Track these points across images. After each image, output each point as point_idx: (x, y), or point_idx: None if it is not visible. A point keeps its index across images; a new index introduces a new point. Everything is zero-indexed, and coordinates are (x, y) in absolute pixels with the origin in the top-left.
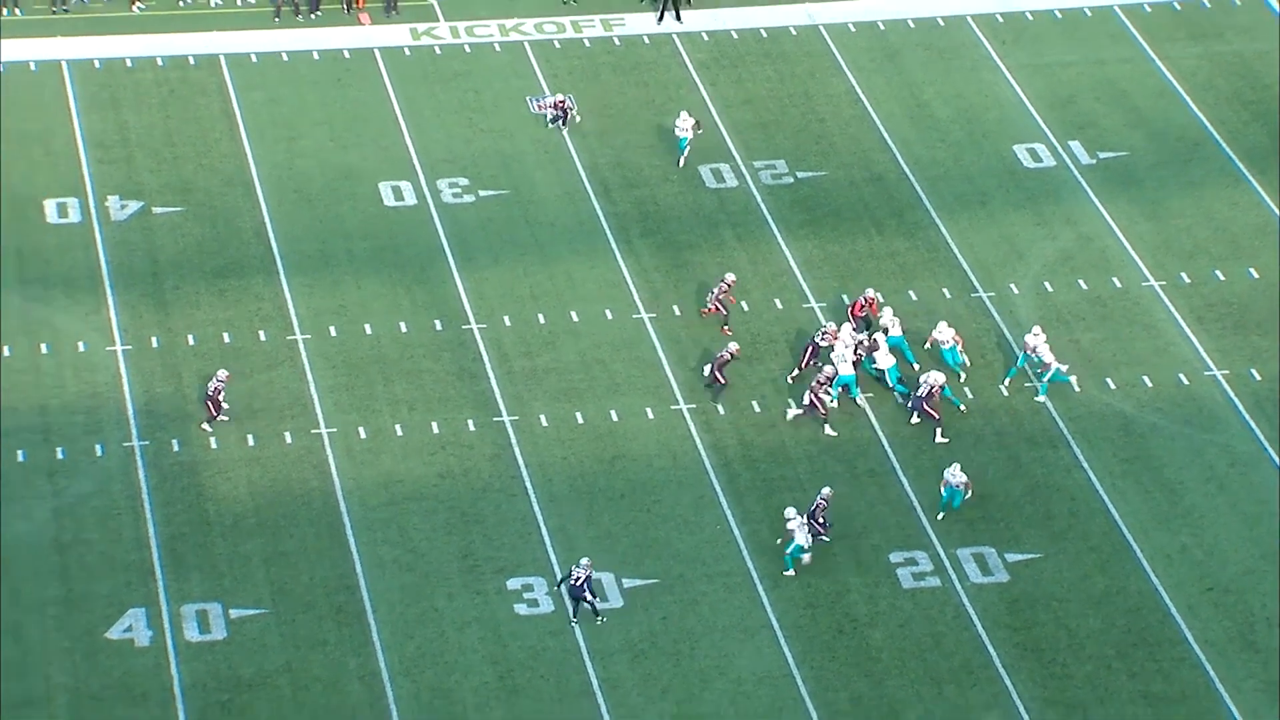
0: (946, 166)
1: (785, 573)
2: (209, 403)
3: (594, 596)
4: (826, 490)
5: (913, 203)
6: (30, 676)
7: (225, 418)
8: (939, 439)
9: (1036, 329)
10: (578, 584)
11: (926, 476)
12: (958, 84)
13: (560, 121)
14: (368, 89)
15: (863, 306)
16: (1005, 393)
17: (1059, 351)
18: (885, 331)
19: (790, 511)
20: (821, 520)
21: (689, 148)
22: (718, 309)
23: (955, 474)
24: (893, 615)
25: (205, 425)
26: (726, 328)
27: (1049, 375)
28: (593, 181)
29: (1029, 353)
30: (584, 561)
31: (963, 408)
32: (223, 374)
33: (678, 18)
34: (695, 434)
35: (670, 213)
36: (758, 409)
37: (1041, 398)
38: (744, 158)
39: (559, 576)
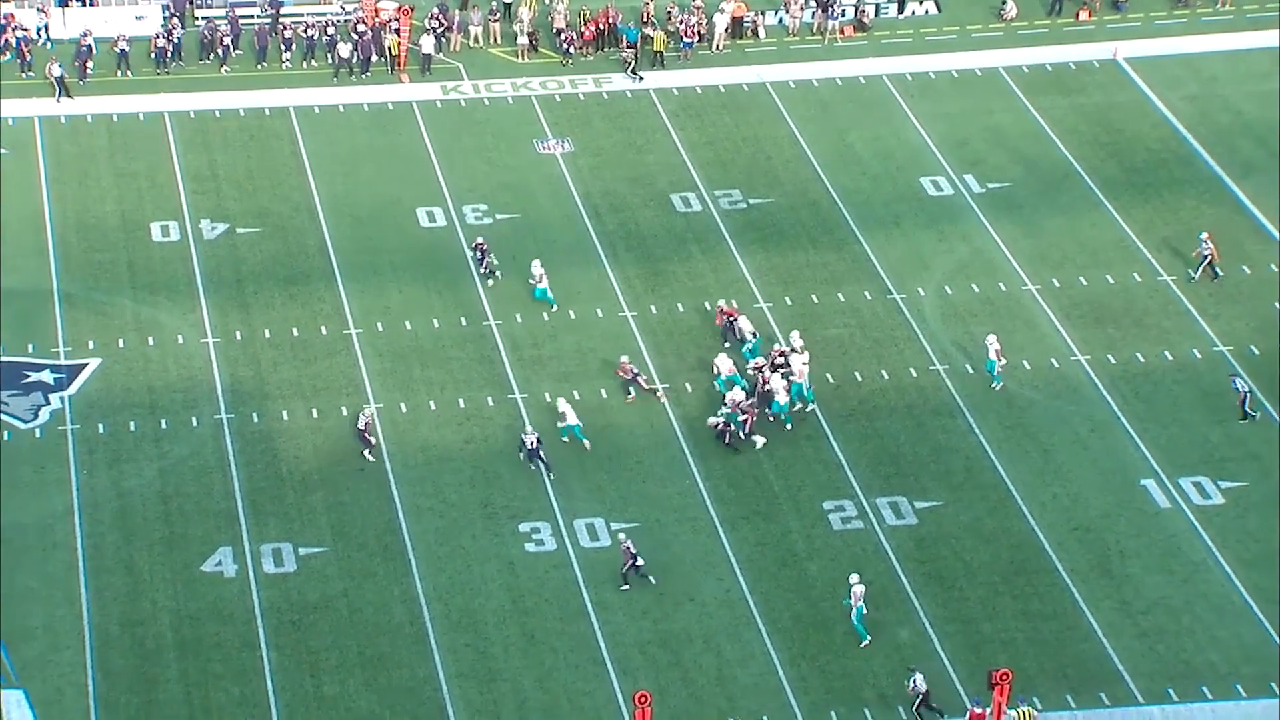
0: (867, 194)
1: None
2: (362, 436)
3: (545, 461)
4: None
5: (840, 223)
6: (140, 601)
7: (369, 455)
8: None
9: (991, 337)
10: (533, 449)
11: (853, 441)
12: (876, 129)
13: (481, 263)
14: (407, 134)
15: (722, 315)
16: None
17: (959, 342)
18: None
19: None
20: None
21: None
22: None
23: (856, 584)
24: (825, 551)
25: (367, 455)
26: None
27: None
28: (586, 207)
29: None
30: (528, 428)
31: (789, 428)
32: (369, 410)
33: (634, 74)
34: (669, 408)
35: (648, 231)
36: (719, 389)
37: (997, 386)
38: (706, 187)
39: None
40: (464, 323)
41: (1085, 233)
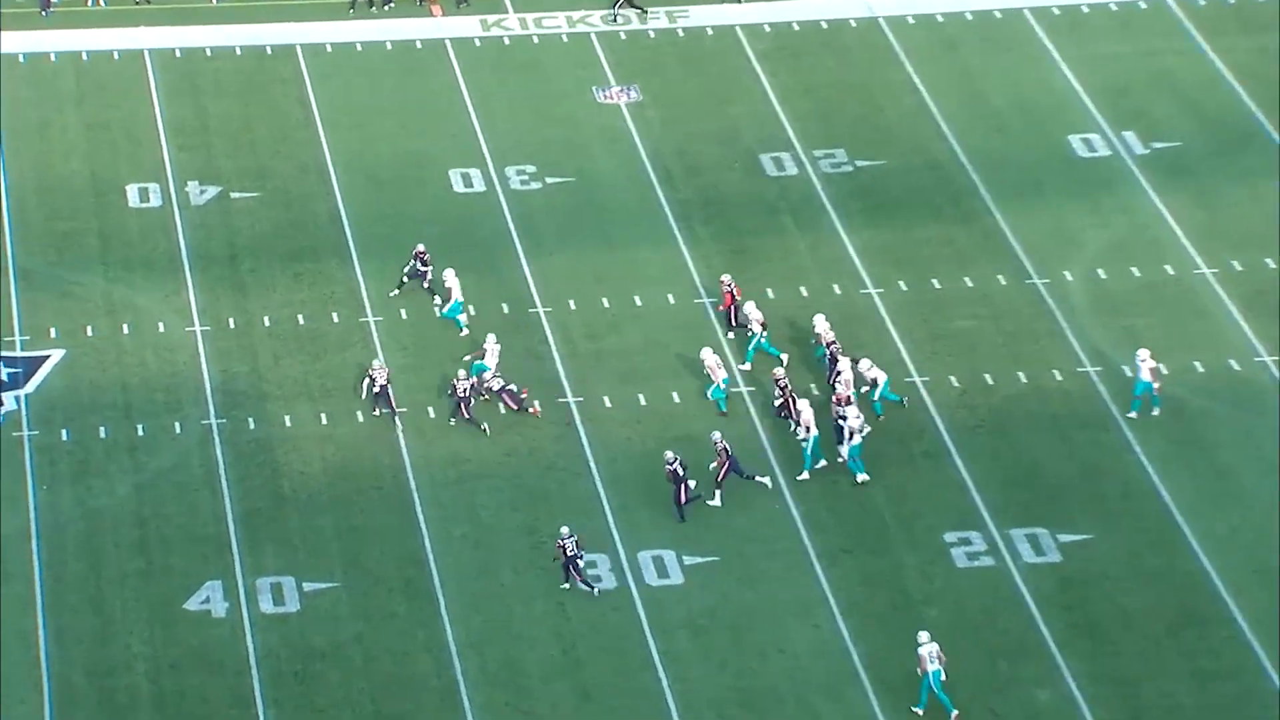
0: (1002, 155)
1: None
2: (461, 405)
3: (581, 575)
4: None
5: (969, 190)
6: (111, 645)
7: (399, 421)
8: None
9: (1144, 353)
10: (570, 556)
11: (982, 458)
12: (1014, 74)
13: (420, 277)
14: (438, 79)
15: (733, 298)
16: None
17: (1114, 338)
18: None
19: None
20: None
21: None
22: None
23: (927, 646)
24: (947, 593)
25: (397, 422)
26: None
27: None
28: (656, 169)
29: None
30: (563, 531)
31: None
32: (378, 365)
33: (634, 5)
34: (754, 415)
35: (731, 200)
36: (815, 391)
37: (1155, 412)
38: (804, 146)
39: (570, 549)
40: (506, 310)
41: (1272, 204)
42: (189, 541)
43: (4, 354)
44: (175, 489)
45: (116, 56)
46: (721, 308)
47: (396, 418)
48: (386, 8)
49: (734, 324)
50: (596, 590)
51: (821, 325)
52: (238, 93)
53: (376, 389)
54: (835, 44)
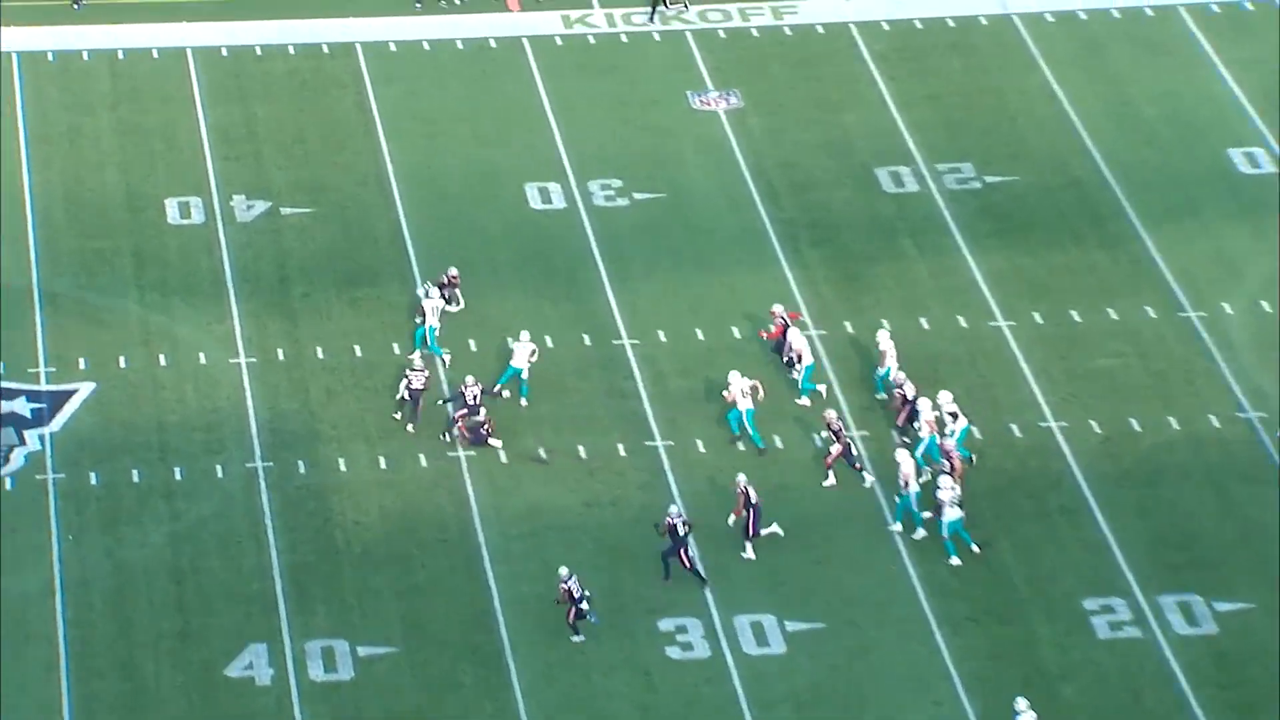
0: (1153, 171)
1: None
2: (476, 433)
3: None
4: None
5: (1114, 211)
6: (144, 716)
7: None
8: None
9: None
10: (577, 599)
11: (1127, 515)
12: (1167, 80)
13: (444, 295)
14: (514, 81)
15: (785, 328)
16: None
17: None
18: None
19: (1021, 704)
20: None
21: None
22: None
23: (1025, 715)
24: (1086, 668)
25: (496, 445)
26: None
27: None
28: (758, 184)
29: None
30: (562, 572)
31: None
32: (471, 381)
33: (666, 5)
34: (868, 463)
35: (843, 220)
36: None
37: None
38: (926, 160)
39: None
40: (587, 341)
41: None
42: (231, 599)
43: (27, 388)
44: (216, 540)
45: (156, 55)
46: (769, 336)
47: (411, 426)
48: (458, 1)
49: (784, 358)
50: (582, 636)
51: (886, 342)
52: (290, 96)
53: (407, 394)
54: (963, 44)
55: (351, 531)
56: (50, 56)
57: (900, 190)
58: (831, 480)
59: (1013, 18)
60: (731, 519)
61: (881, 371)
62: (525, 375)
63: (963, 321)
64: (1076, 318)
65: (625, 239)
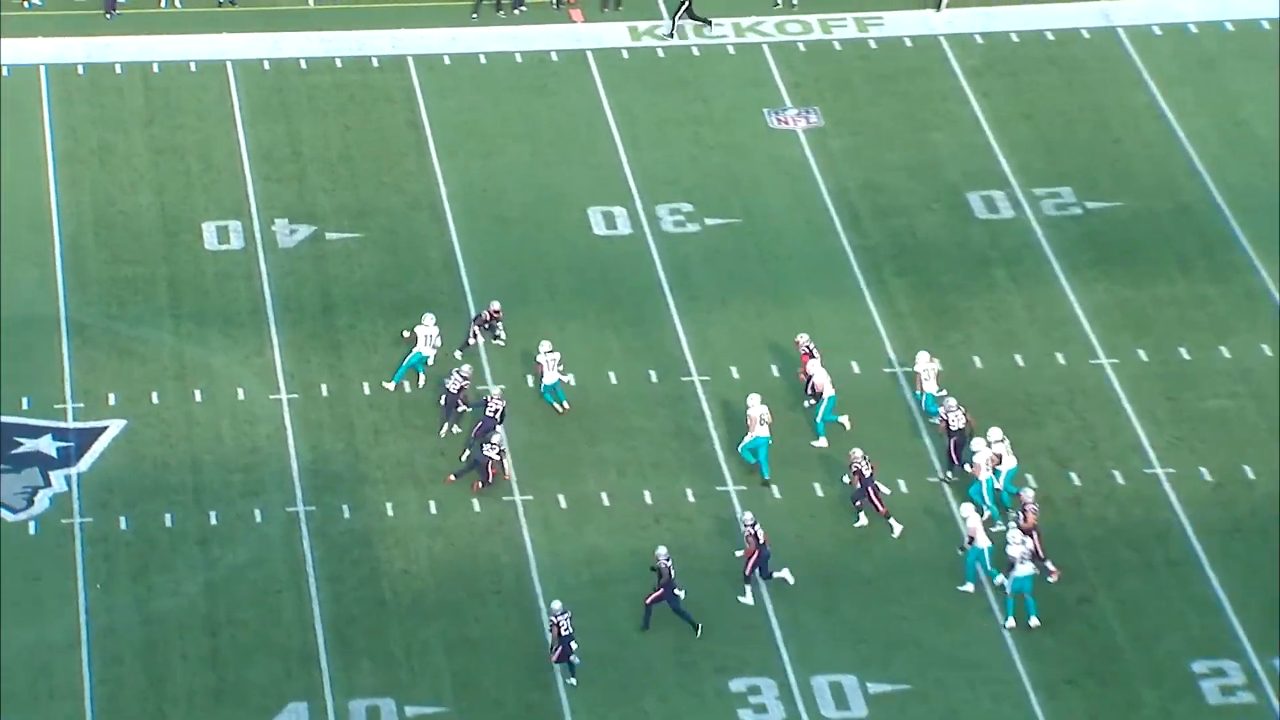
0: (1268, 197)
1: None
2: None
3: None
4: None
5: (1226, 240)
6: None
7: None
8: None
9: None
10: (565, 636)
11: (1241, 569)
12: None
13: (489, 329)
14: (577, 97)
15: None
16: None
17: None
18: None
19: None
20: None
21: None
22: None
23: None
24: None
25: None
26: None
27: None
28: (839, 209)
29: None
30: (555, 606)
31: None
32: (467, 369)
33: (695, 17)
34: (955, 509)
35: (931, 247)
36: (1032, 483)
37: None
38: (1021, 183)
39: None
40: (654, 377)
41: None
42: (269, 654)
43: (53, 425)
44: (254, 590)
45: (193, 68)
46: (801, 376)
47: (449, 425)
48: (517, 11)
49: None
50: (575, 680)
51: (925, 364)
52: (337, 113)
53: (490, 411)
54: (1062, 59)
55: (399, 581)
56: (80, 69)
57: (993, 216)
58: (863, 520)
59: (1117, 31)
60: (740, 554)
61: (921, 394)
62: (558, 383)
63: (1061, 359)
64: (1185, 355)
65: (695, 267)
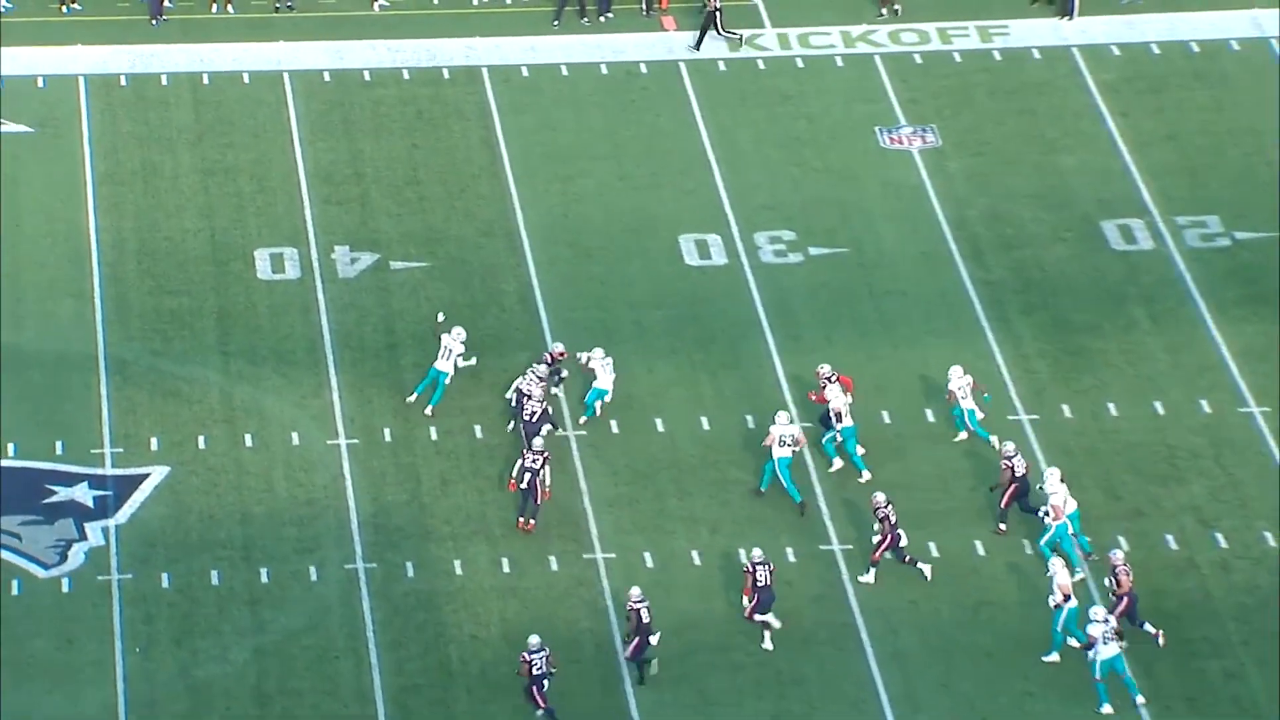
0: None
1: None
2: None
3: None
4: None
5: None
6: None
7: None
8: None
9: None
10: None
11: None
12: None
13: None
14: (669, 114)
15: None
16: None
17: None
18: None
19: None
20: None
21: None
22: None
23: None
24: None
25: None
26: None
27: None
28: (959, 239)
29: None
30: (532, 641)
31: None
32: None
33: (720, 33)
34: (1089, 575)
35: (1062, 282)
36: (1173, 545)
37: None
38: (1163, 212)
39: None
40: (752, 424)
41: None
42: None
43: (89, 472)
44: (308, 655)
45: (247, 80)
46: (813, 398)
47: (533, 447)
48: (603, 19)
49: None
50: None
51: (959, 379)
52: (404, 130)
53: (526, 414)
54: (1209, 74)
55: (468, 648)
56: (123, 80)
57: (1131, 248)
58: (869, 578)
59: (1271, 43)
60: (746, 603)
61: (960, 411)
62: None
63: (1206, 407)
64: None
65: (798, 302)
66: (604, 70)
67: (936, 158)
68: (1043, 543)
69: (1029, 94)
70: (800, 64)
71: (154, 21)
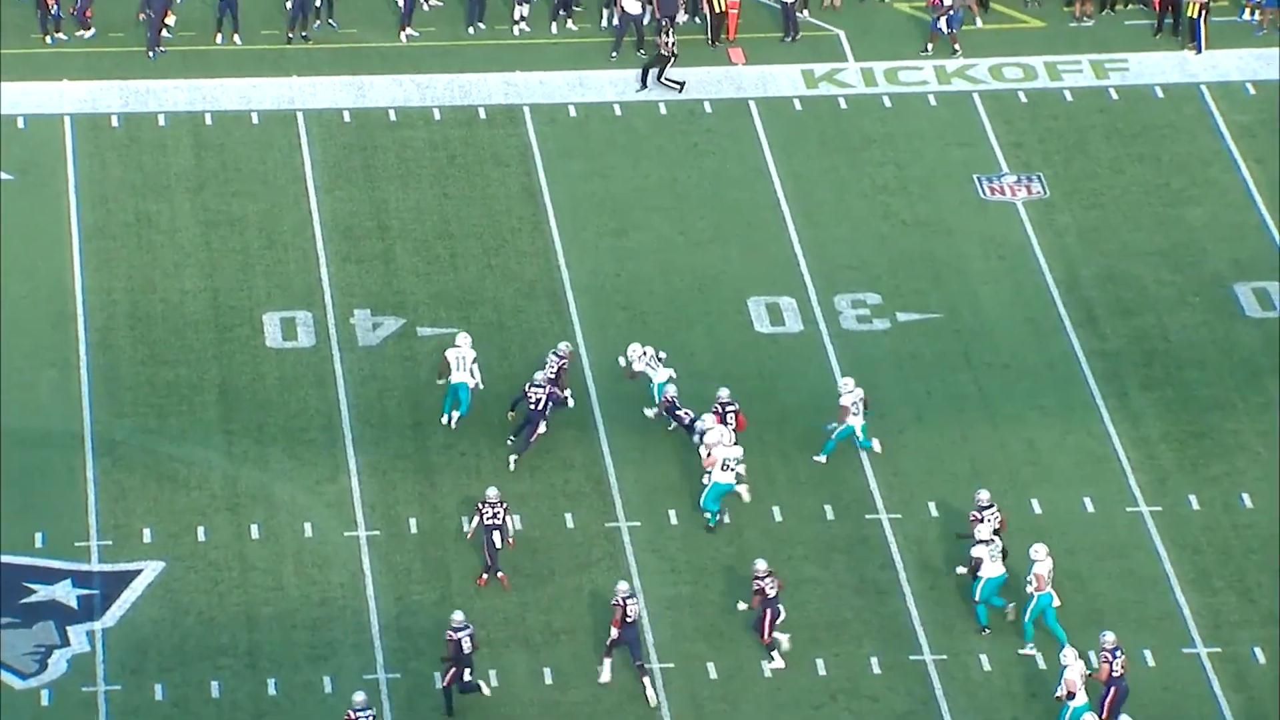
0: None
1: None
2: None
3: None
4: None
5: None
6: None
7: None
8: None
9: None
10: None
11: None
12: None
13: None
14: (736, 158)
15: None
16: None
17: None
18: None
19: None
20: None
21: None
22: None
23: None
24: None
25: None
26: None
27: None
28: (1069, 303)
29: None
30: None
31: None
32: (564, 347)
33: (659, 79)
34: (1215, 686)
35: (1189, 354)
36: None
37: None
38: None
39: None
40: (829, 513)
41: None
42: None
43: (72, 567)
44: None
45: (255, 120)
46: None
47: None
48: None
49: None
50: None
51: (849, 395)
52: (433, 176)
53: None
54: None
55: None
56: (115, 120)
57: (1269, 315)
58: (779, 662)
59: None
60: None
61: (838, 428)
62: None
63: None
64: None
65: (884, 374)
66: (663, 109)
67: (1044, 210)
68: (1027, 618)
69: (1151, 138)
70: (888, 103)
71: (151, 54)
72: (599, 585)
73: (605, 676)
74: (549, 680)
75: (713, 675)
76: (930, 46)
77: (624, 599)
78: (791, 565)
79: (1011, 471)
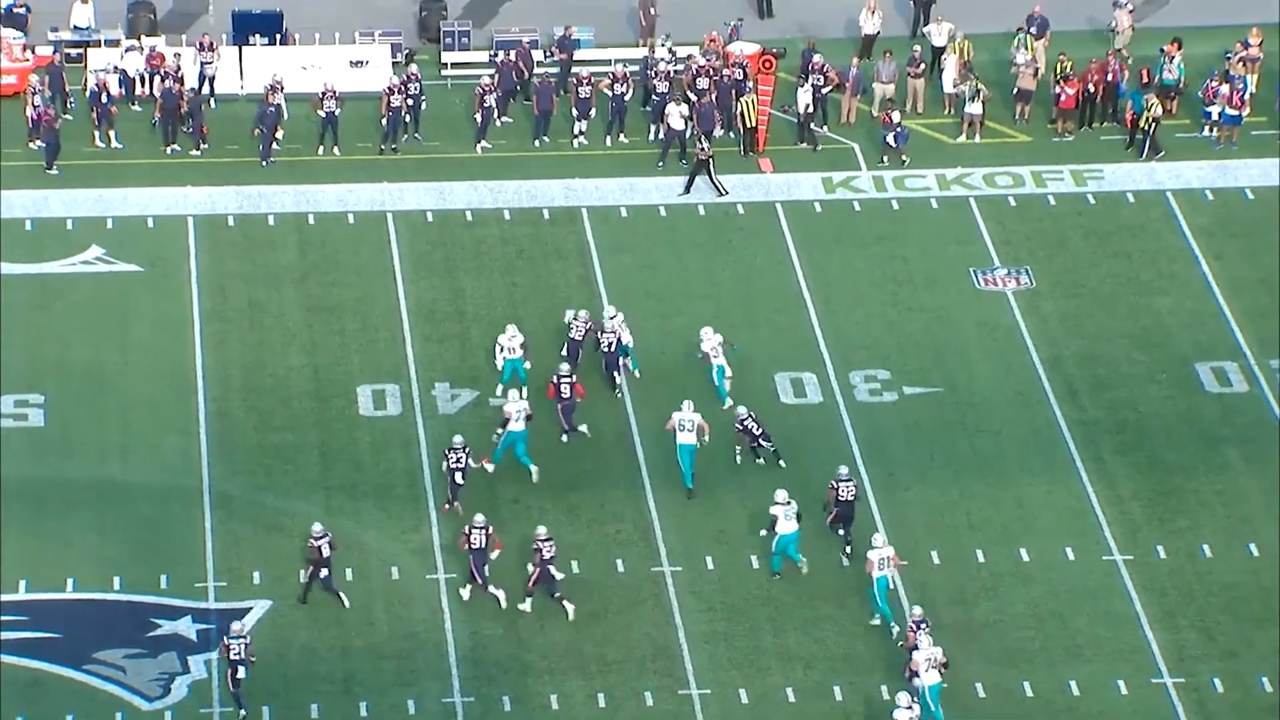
0: None
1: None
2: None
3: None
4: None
5: None
6: None
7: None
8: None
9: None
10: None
11: None
12: None
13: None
14: (765, 253)
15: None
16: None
17: None
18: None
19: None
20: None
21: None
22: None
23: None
24: None
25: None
26: None
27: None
28: (1053, 379)
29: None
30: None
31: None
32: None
33: (712, 180)
34: (1180, 712)
35: (1156, 424)
36: (1268, 687)
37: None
38: (1258, 355)
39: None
40: (846, 562)
41: None
42: None
43: (192, 605)
44: None
45: (351, 220)
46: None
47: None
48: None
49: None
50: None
51: (710, 341)
52: (504, 268)
53: (568, 348)
54: None
55: None
56: (231, 220)
57: (1225, 390)
58: (526, 606)
59: None
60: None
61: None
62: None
63: None
64: None
65: (893, 441)
66: (701, 211)
67: (1031, 299)
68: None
69: (1123, 237)
70: (895, 206)
71: (264, 164)
72: (646, 622)
73: (526, 607)
74: (602, 704)
75: (744, 700)
76: (885, 159)
77: (541, 542)
78: (813, 606)
79: (1003, 525)
